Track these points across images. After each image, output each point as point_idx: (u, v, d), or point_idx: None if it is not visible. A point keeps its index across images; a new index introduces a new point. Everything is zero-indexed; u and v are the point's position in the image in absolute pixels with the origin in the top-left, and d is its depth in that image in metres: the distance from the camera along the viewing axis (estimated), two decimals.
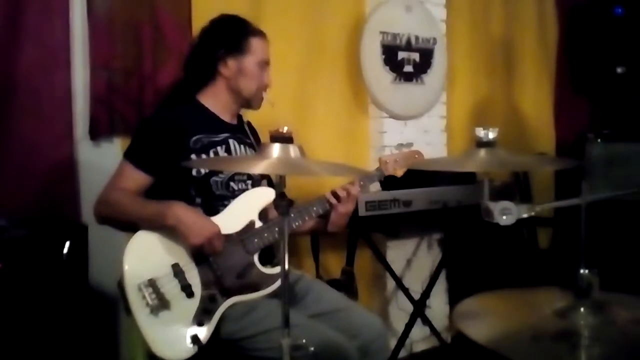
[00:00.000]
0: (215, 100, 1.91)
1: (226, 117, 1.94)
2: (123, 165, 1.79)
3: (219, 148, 1.86)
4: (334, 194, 1.86)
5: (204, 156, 1.82)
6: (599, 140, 3.22)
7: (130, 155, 1.79)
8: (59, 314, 1.81)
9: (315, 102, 2.80)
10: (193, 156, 1.80)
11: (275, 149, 1.28)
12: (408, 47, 2.99)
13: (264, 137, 2.05)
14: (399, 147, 2.10)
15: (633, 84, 3.37)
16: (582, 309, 1.25)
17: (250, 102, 1.94)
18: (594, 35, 3.65)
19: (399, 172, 2.02)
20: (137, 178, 1.77)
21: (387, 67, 2.93)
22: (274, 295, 1.75)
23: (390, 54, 2.93)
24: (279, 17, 2.65)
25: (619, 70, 3.39)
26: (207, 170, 1.80)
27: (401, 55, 2.97)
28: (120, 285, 1.65)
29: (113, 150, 2.21)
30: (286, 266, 1.31)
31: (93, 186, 1.91)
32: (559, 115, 3.79)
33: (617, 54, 3.43)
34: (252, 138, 2.02)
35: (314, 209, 1.86)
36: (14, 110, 2.09)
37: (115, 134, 2.28)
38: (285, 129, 1.30)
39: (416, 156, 2.08)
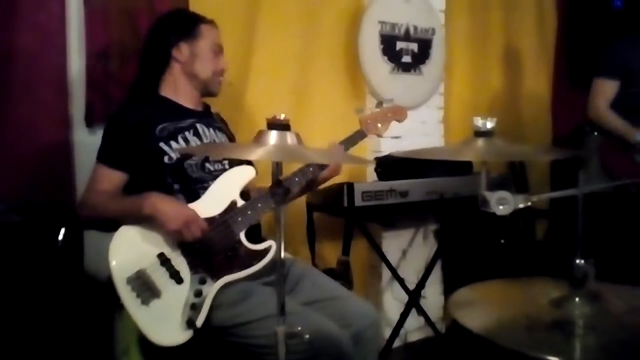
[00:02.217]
0: (175, 89, 1.95)
1: (189, 104, 1.96)
2: (97, 168, 1.83)
3: (187, 133, 1.88)
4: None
5: (173, 143, 1.84)
6: (595, 133, 3.22)
7: (101, 157, 1.83)
8: (54, 300, 1.80)
9: (313, 91, 2.79)
10: (162, 144, 1.82)
11: (272, 135, 1.27)
12: (407, 37, 2.98)
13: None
14: (379, 105, 2.01)
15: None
16: (577, 299, 1.26)
17: (208, 86, 1.96)
18: (592, 27, 3.64)
19: (382, 131, 2.01)
20: (113, 177, 1.81)
21: (386, 57, 2.91)
22: (268, 282, 1.76)
23: (389, 44, 2.92)
24: (277, 6, 2.63)
25: None
26: (178, 156, 1.82)
27: (399, 45, 2.96)
28: (110, 281, 1.65)
29: None
30: (282, 254, 1.31)
31: (88, 172, 1.90)
32: (556, 108, 3.79)
33: None
34: (222, 125, 2.04)
35: (310, 169, 1.87)
36: (9, 97, 2.08)
37: None
38: (282, 116, 1.30)
39: (397, 112, 2.07)
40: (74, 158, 2.21)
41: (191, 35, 1.92)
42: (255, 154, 1.30)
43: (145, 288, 1.64)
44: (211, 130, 1.96)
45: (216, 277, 1.70)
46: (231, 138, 2.07)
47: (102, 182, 1.81)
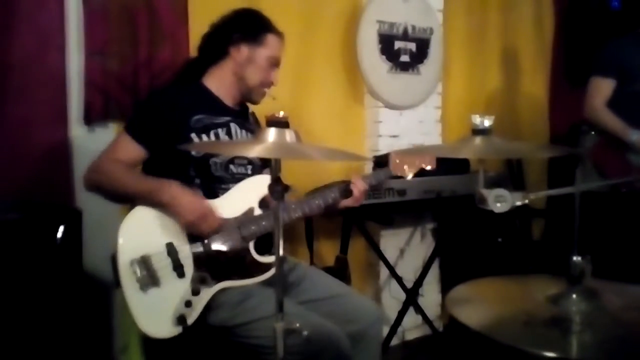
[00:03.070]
0: (219, 83, 1.93)
1: (228, 101, 1.95)
2: (120, 137, 1.80)
3: (219, 130, 1.87)
4: (347, 189, 1.89)
5: (204, 136, 1.83)
6: (592, 132, 3.24)
7: (129, 128, 1.80)
8: (53, 298, 1.80)
9: (311, 91, 2.80)
10: (193, 135, 1.81)
11: (271, 133, 1.28)
12: (405, 36, 2.99)
13: (260, 122, 2.05)
14: (409, 149, 2.03)
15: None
16: (574, 296, 1.27)
17: (252, 94, 1.95)
18: (590, 27, 3.65)
19: (408, 174, 2.03)
20: (133, 150, 1.78)
21: (384, 57, 2.92)
22: (268, 283, 1.76)
23: (387, 44, 2.93)
24: (275, 5, 2.64)
25: None
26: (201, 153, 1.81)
27: (398, 44, 2.97)
28: (113, 258, 1.65)
29: (107, 135, 2.20)
30: (281, 251, 1.31)
31: None
32: (553, 107, 3.80)
33: None
34: (254, 127, 2.03)
35: (332, 195, 1.87)
36: (8, 95, 2.09)
37: (110, 119, 2.27)
38: (282, 113, 1.31)
39: (425, 158, 2.07)
40: (72, 156, 2.22)
41: (255, 40, 1.90)
42: (255, 151, 1.31)
43: (146, 274, 1.63)
44: (243, 132, 1.94)
45: (217, 279, 1.70)
46: None
47: (122, 151, 1.77)
